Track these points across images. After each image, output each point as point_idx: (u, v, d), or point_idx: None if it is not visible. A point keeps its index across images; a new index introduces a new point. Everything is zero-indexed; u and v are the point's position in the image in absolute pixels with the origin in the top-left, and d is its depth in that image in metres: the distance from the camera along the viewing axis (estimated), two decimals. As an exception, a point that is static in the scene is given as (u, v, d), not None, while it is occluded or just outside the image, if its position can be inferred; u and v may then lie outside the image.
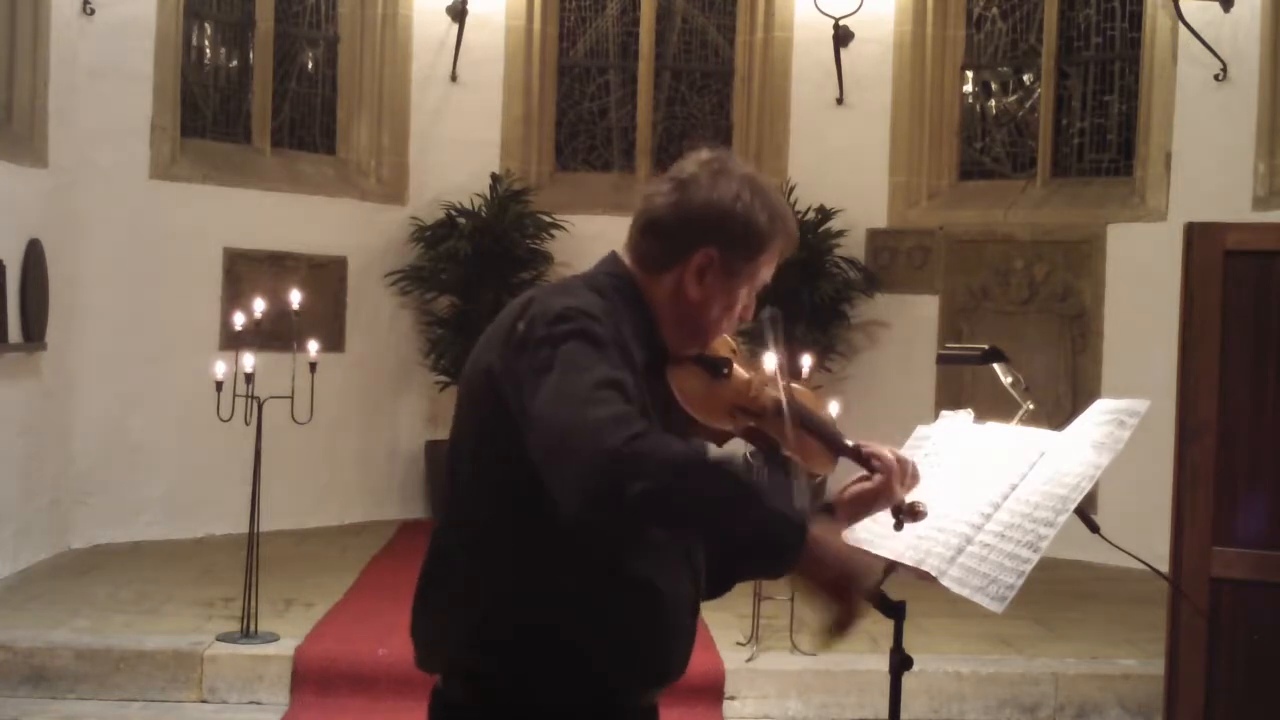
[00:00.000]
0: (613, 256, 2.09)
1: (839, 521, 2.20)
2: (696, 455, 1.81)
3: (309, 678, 5.39)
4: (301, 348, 6.18)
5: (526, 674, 1.94)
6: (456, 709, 2.02)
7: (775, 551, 1.84)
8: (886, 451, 2.19)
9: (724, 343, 2.14)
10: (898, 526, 2.21)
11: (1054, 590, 6.45)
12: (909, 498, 2.19)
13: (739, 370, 2.10)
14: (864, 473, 2.20)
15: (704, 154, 2.06)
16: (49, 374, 7.15)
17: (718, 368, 2.07)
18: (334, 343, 8.28)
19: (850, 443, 2.18)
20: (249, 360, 5.67)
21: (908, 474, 2.19)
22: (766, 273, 2.07)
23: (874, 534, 2.45)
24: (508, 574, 1.92)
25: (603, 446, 1.71)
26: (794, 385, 2.15)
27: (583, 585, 1.92)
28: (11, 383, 6.74)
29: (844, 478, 2.27)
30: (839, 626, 1.95)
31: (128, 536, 7.66)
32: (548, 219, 8.74)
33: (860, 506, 2.20)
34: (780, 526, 1.81)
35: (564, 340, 1.84)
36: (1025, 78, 9.00)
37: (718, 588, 2.21)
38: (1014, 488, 2.33)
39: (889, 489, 2.15)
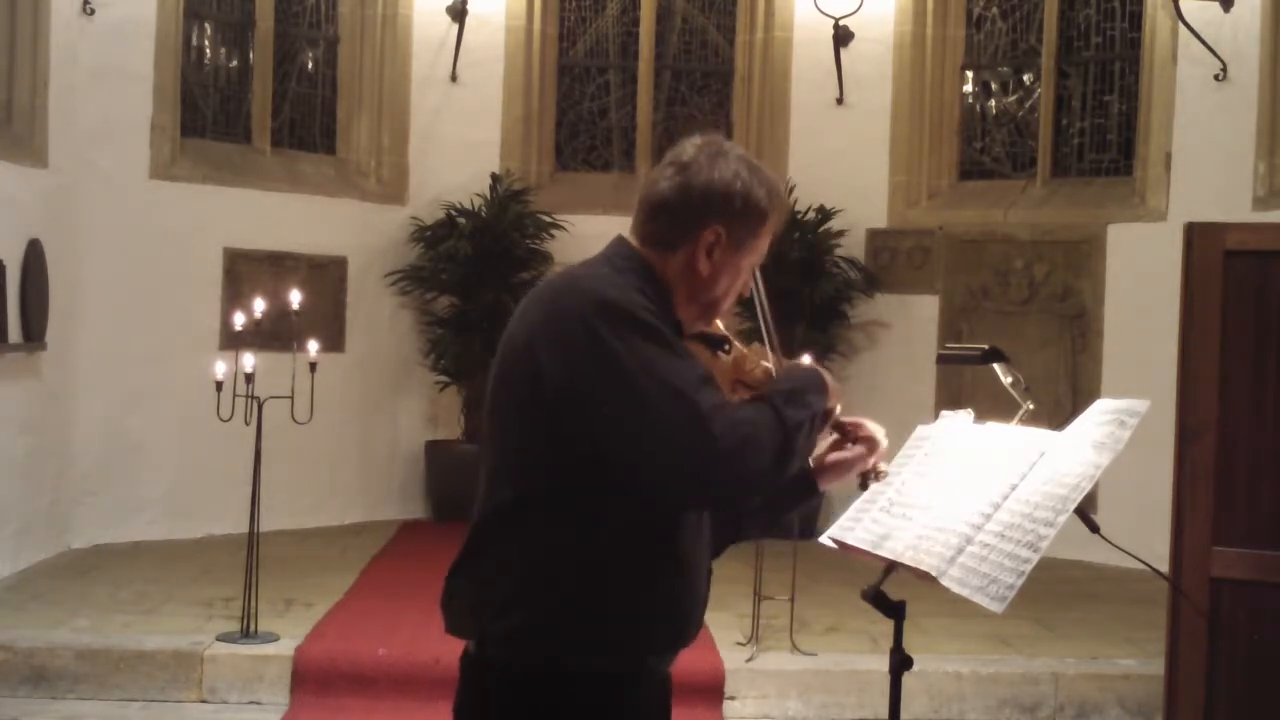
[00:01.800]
0: (621, 239, 2.17)
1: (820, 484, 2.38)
2: (781, 424, 2.01)
3: (309, 678, 5.38)
4: (301, 348, 6.18)
5: (557, 637, 2.03)
6: (489, 671, 2.10)
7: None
8: (868, 424, 2.31)
9: (716, 324, 2.25)
10: (862, 487, 2.38)
11: (1054, 590, 6.46)
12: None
13: (738, 347, 2.22)
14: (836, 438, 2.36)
15: (699, 139, 2.16)
16: (49, 374, 7.15)
17: (719, 344, 2.19)
18: (334, 343, 8.28)
19: (844, 418, 2.32)
20: (249, 360, 5.67)
21: (884, 445, 2.33)
22: (764, 246, 2.18)
23: (874, 534, 2.45)
24: (543, 543, 2.02)
25: (721, 448, 1.92)
26: (783, 360, 2.27)
27: (613, 555, 2.02)
28: (11, 383, 6.74)
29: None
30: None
31: (128, 536, 7.66)
32: (548, 219, 8.74)
33: (838, 472, 2.33)
34: (821, 419, 2.13)
35: (638, 342, 1.96)
36: (1025, 78, 9.00)
37: (716, 552, 2.33)
38: (1014, 488, 2.33)
39: (865, 459, 2.30)
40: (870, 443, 2.28)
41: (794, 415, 2.02)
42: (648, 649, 2.11)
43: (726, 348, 2.18)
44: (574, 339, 1.97)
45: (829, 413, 2.15)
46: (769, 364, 2.21)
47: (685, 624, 2.13)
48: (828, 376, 2.16)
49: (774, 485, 2.04)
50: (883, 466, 2.32)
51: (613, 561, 2.02)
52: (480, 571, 2.09)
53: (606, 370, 1.95)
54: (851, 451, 2.29)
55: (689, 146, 2.14)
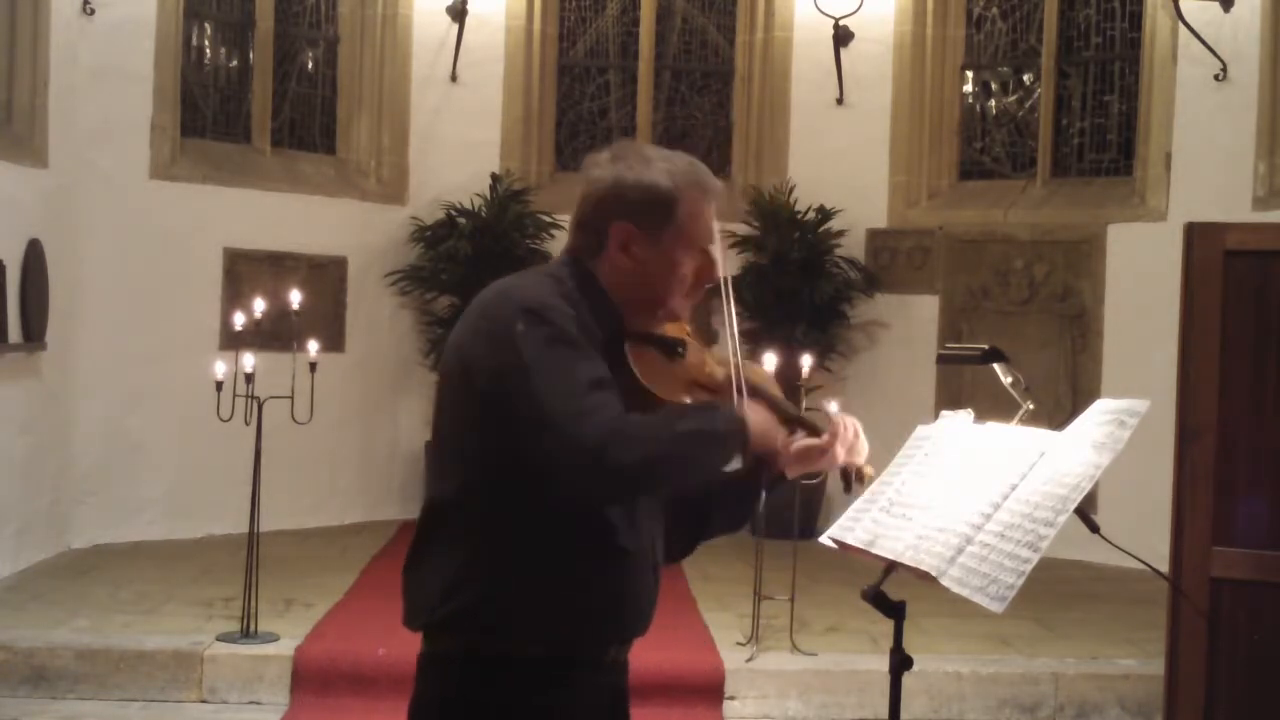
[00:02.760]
0: (564, 254, 2.25)
1: (784, 471, 2.37)
2: (668, 430, 2.05)
3: (309, 678, 5.39)
4: (301, 348, 6.18)
5: (497, 626, 2.10)
6: (438, 659, 2.18)
7: (728, 459, 2.14)
8: (836, 416, 2.32)
9: (679, 326, 2.27)
10: (846, 489, 2.35)
11: (1054, 590, 6.46)
12: (859, 462, 2.31)
13: (693, 349, 2.24)
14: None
15: (605, 151, 2.23)
16: (49, 374, 7.14)
17: (673, 347, 2.21)
18: (334, 343, 8.28)
19: (805, 415, 2.32)
20: (249, 360, 5.67)
21: (851, 436, 2.29)
22: (696, 228, 2.18)
23: (874, 534, 2.45)
24: (477, 537, 2.11)
25: (588, 445, 1.97)
26: (745, 363, 2.27)
27: (555, 549, 2.10)
28: (11, 383, 6.74)
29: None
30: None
31: (128, 536, 7.66)
32: (548, 219, 8.73)
33: (803, 461, 2.32)
34: (731, 444, 2.12)
35: (541, 342, 2.03)
36: (1025, 78, 9.00)
37: (682, 550, 2.41)
38: (1014, 488, 2.33)
39: (832, 449, 2.27)
40: (833, 430, 2.27)
41: (684, 426, 2.06)
42: (587, 639, 2.16)
43: (681, 350, 2.20)
44: (496, 342, 2.06)
45: (746, 444, 2.13)
46: (728, 367, 2.22)
47: (622, 616, 2.18)
48: (759, 419, 2.15)
49: (641, 489, 2.10)
50: (868, 469, 2.32)
51: (544, 554, 2.09)
52: (424, 564, 2.18)
53: (515, 370, 2.02)
54: (819, 439, 2.29)
55: (597, 159, 2.21)
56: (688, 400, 2.19)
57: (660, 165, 2.16)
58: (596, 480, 2.01)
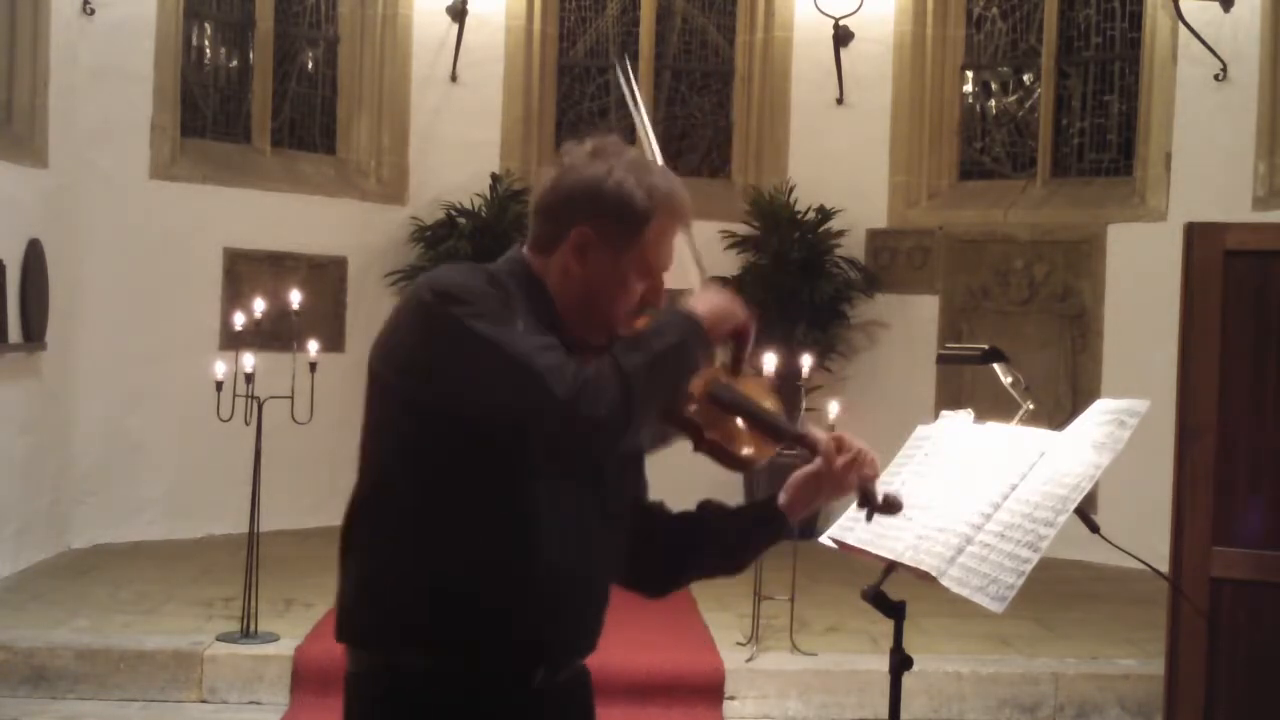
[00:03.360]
0: (515, 248, 2.15)
1: (787, 512, 2.24)
2: (616, 373, 1.91)
3: (309, 678, 5.38)
4: (301, 348, 6.18)
5: (409, 643, 2.01)
6: (352, 678, 2.10)
7: (693, 359, 2.00)
8: (824, 435, 2.18)
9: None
10: (868, 518, 2.17)
11: (1054, 590, 6.45)
12: (883, 488, 2.16)
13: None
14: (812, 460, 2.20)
15: (587, 142, 2.10)
16: (49, 374, 7.15)
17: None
18: (334, 343, 8.27)
19: (791, 425, 2.14)
20: (249, 360, 5.67)
21: (852, 455, 2.15)
22: (657, 253, 2.07)
23: (874, 534, 2.45)
24: (392, 549, 2.03)
25: (558, 401, 1.86)
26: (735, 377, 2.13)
27: (457, 561, 2.00)
28: (11, 383, 6.74)
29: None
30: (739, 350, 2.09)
31: (128, 536, 7.66)
32: (548, 219, 8.72)
33: (805, 492, 2.22)
34: (690, 347, 1.98)
35: (467, 314, 1.92)
36: (1025, 78, 9.00)
37: (664, 583, 2.31)
38: (1014, 488, 2.33)
39: (829, 471, 2.16)
40: (826, 459, 2.14)
41: (630, 360, 1.91)
42: (499, 658, 2.02)
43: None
44: (411, 327, 1.99)
45: (705, 336, 2.00)
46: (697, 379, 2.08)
47: (541, 635, 2.04)
48: (705, 304, 2.02)
49: (621, 428, 1.92)
50: (895, 496, 2.15)
51: (447, 567, 1.99)
52: (342, 576, 2.11)
53: (441, 348, 1.94)
54: (814, 465, 2.18)
55: (577, 149, 2.09)
56: None
57: (642, 179, 2.04)
58: (574, 432, 1.89)
